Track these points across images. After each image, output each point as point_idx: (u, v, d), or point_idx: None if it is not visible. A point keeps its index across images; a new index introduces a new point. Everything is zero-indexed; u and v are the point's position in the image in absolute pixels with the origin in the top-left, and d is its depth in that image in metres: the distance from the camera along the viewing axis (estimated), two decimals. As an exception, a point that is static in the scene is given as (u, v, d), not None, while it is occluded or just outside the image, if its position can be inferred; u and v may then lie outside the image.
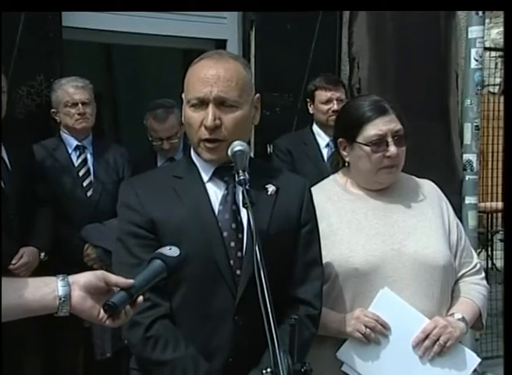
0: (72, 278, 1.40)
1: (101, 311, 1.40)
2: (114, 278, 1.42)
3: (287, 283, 1.85)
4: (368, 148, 2.06)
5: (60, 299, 1.36)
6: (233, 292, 1.77)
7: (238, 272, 1.78)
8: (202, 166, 1.87)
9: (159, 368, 1.74)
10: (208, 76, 1.78)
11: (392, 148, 2.04)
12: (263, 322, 1.41)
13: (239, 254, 1.79)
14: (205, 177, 1.86)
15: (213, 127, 1.77)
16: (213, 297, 1.77)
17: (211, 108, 1.77)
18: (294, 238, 1.87)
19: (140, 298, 1.43)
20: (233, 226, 1.80)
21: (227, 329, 1.77)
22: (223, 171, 1.85)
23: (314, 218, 1.93)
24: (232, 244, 1.79)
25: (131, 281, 1.41)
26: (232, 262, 1.78)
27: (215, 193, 1.84)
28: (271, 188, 1.86)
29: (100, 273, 1.43)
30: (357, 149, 2.09)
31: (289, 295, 1.85)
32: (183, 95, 1.86)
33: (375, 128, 2.05)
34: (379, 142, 2.05)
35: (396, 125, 2.06)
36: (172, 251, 1.48)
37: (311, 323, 1.87)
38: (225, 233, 1.79)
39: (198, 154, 1.85)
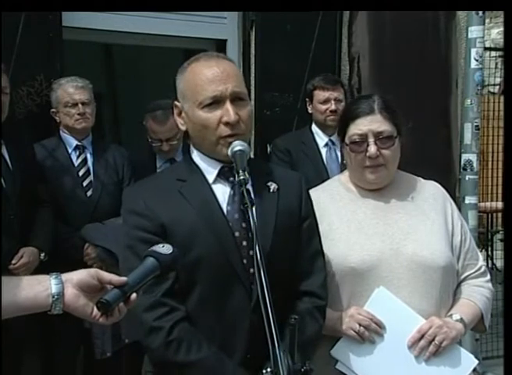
0: (65, 276, 1.40)
1: (95, 309, 1.40)
2: (107, 276, 1.42)
3: (295, 276, 1.88)
4: (348, 148, 2.09)
5: (53, 297, 1.36)
6: (248, 291, 1.79)
7: (251, 270, 1.79)
8: (205, 167, 1.87)
9: (185, 370, 1.74)
10: (218, 74, 1.80)
11: (372, 149, 2.05)
12: (268, 320, 1.43)
13: (251, 252, 1.80)
14: (210, 179, 1.86)
15: (236, 122, 1.78)
16: (229, 296, 1.79)
17: (229, 105, 1.78)
18: (298, 232, 1.90)
19: (134, 295, 1.43)
20: (244, 225, 1.82)
21: (245, 327, 1.79)
22: (227, 172, 1.86)
23: (312, 211, 1.97)
24: (244, 243, 1.81)
25: (124, 279, 1.41)
26: (245, 261, 1.80)
27: (222, 194, 1.85)
28: (272, 185, 1.88)
29: (93, 270, 1.43)
30: (345, 148, 2.13)
31: (296, 288, 1.88)
32: (182, 100, 1.85)
33: (356, 127, 2.07)
34: (360, 142, 2.06)
35: (380, 126, 2.06)
36: (165, 248, 1.48)
37: (319, 314, 1.90)
38: (236, 233, 1.81)
39: (215, 152, 1.83)
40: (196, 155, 1.90)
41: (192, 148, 1.92)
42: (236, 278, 1.79)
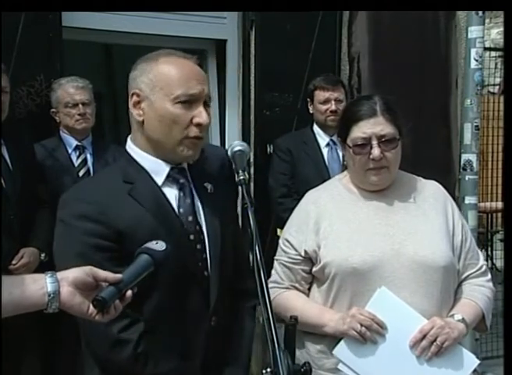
0: (60, 274, 1.40)
1: (91, 306, 1.40)
2: (102, 273, 1.42)
3: (235, 275, 1.88)
4: (351, 150, 2.08)
5: (49, 296, 1.36)
6: (206, 294, 1.77)
7: (206, 273, 1.78)
8: (153, 169, 1.79)
9: None
10: (196, 73, 1.77)
11: (376, 151, 2.04)
12: (268, 321, 1.44)
13: (204, 255, 1.79)
14: (159, 181, 1.79)
15: (207, 125, 1.76)
16: (187, 300, 1.76)
17: (202, 106, 1.75)
18: (234, 232, 1.90)
19: (129, 292, 1.43)
20: (197, 228, 1.80)
21: (203, 331, 1.77)
22: (177, 173, 1.82)
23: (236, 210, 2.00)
24: (199, 246, 1.79)
25: (119, 276, 1.41)
26: (200, 264, 1.78)
27: (172, 196, 1.80)
28: (209, 186, 1.87)
29: (88, 268, 1.42)
30: (347, 150, 2.11)
31: (239, 288, 1.87)
32: (148, 90, 1.74)
33: (359, 130, 2.06)
34: (363, 145, 2.06)
35: (383, 129, 2.05)
36: (158, 245, 1.48)
37: (254, 313, 1.90)
38: (191, 236, 1.78)
39: (175, 152, 1.76)
40: (139, 155, 1.80)
41: (134, 146, 1.82)
42: (193, 281, 1.76)
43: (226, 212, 1.88)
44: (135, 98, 1.77)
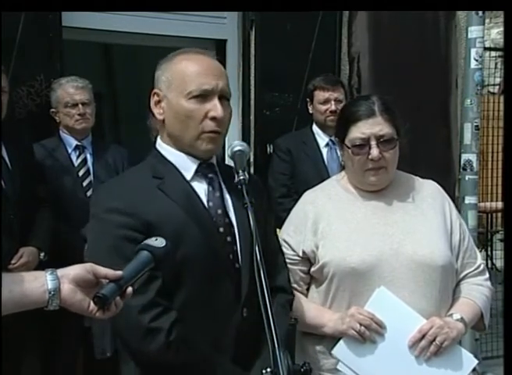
0: (61, 272, 1.40)
1: (91, 303, 1.40)
2: (103, 270, 1.42)
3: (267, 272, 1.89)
4: (350, 151, 2.08)
5: (50, 293, 1.36)
6: (237, 286, 1.79)
7: (237, 265, 1.80)
8: (181, 164, 1.83)
9: (188, 370, 1.71)
10: (211, 68, 1.80)
11: (375, 152, 2.04)
12: (267, 321, 1.46)
13: (234, 248, 1.81)
14: (187, 176, 1.83)
15: (222, 119, 1.78)
16: (218, 292, 1.77)
17: (217, 101, 1.77)
18: (265, 229, 1.91)
19: (129, 289, 1.43)
20: (227, 221, 1.82)
21: (234, 322, 1.78)
22: (205, 168, 1.85)
23: (271, 209, 2.01)
24: (229, 238, 1.81)
25: (120, 273, 1.41)
26: (231, 256, 1.80)
27: (201, 190, 1.83)
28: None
29: (88, 265, 1.43)
30: (345, 150, 2.11)
31: (270, 284, 1.87)
32: (165, 89, 1.80)
33: (358, 131, 2.06)
34: (362, 145, 2.06)
35: (382, 129, 2.05)
36: (158, 241, 1.49)
37: (290, 308, 1.93)
38: (221, 229, 1.81)
39: (194, 147, 1.80)
40: (168, 151, 1.85)
41: (162, 143, 1.88)
42: (224, 274, 1.78)
43: (256, 209, 1.87)
44: (155, 98, 1.83)
